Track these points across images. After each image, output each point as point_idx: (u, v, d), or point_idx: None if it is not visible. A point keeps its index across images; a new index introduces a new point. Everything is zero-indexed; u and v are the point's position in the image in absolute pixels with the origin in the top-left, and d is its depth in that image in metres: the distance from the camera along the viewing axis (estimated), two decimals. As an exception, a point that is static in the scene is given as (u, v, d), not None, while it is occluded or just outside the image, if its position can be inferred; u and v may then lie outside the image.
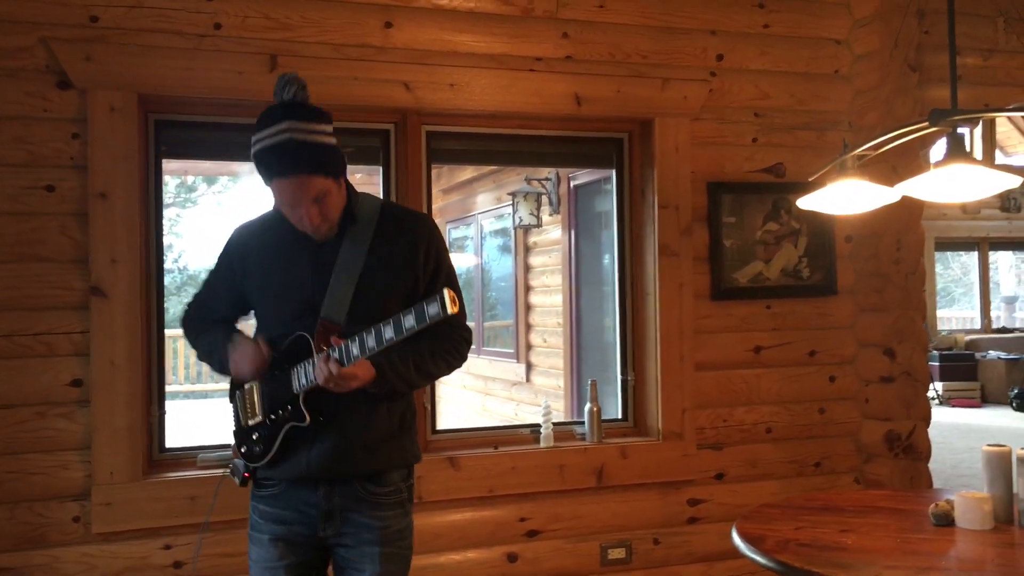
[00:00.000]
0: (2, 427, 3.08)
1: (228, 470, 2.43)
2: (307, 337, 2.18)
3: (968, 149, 2.24)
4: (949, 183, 2.21)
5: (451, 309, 1.93)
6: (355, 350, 2.08)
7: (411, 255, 2.26)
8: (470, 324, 2.45)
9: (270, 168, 2.12)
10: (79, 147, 3.18)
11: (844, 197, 2.63)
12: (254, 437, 2.29)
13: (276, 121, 2.11)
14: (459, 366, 2.38)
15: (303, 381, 2.18)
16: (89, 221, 3.16)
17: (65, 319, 3.16)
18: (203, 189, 15.73)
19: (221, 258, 2.43)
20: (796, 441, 4.07)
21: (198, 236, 16.38)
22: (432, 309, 1.96)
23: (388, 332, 2.04)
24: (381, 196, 3.62)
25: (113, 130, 3.19)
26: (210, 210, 16.06)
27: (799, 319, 4.09)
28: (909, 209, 3.81)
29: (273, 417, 2.25)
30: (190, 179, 14.49)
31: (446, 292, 1.94)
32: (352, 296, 2.21)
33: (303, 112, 2.13)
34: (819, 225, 4.09)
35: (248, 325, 2.46)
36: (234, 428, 2.38)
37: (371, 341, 2.06)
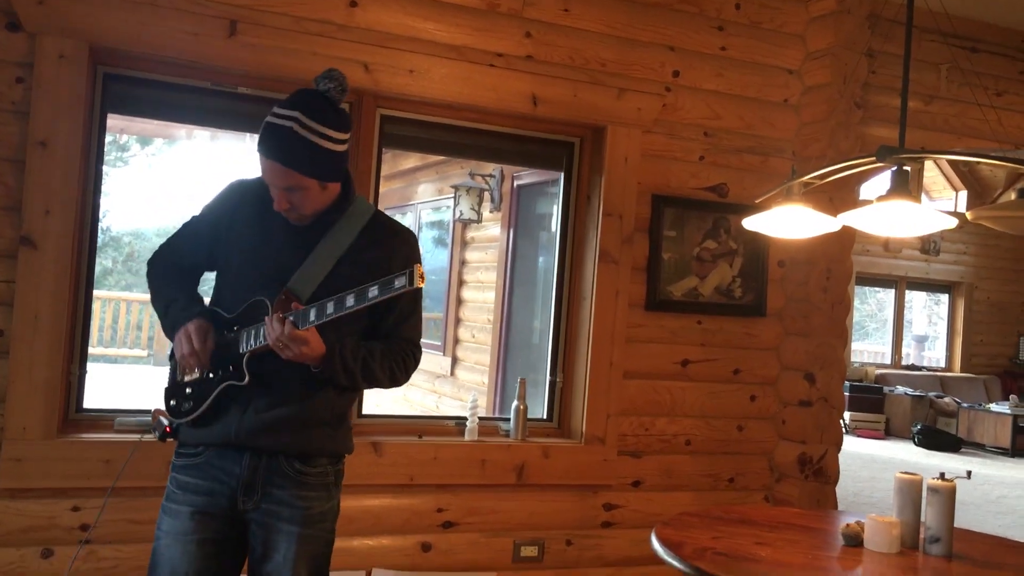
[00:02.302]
0: (-88, 372, 2.98)
1: (149, 431, 2.39)
2: (265, 302, 2.17)
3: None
4: (890, 218, 2.29)
5: (418, 283, 1.96)
6: (312, 315, 2.09)
7: (387, 261, 2.26)
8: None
9: (261, 144, 2.16)
10: (22, 92, 3.09)
11: (787, 221, 2.71)
12: (187, 392, 2.26)
13: (293, 106, 2.15)
14: (400, 383, 2.37)
15: (251, 342, 2.17)
16: (26, 169, 3.07)
17: (-10, 266, 3.06)
18: (136, 150, 15.34)
19: (211, 205, 2.40)
20: (713, 456, 4.16)
21: (126, 198, 15.99)
22: (399, 280, 1.99)
23: (350, 300, 2.05)
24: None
25: (59, 78, 3.10)
26: (141, 172, 15.70)
27: (727, 337, 4.19)
28: (842, 241, 3.95)
29: (211, 375, 2.22)
30: (124, 138, 14.13)
31: (416, 267, 1.97)
32: (322, 279, 2.22)
33: (321, 110, 2.16)
34: (755, 248, 4.19)
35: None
36: (167, 384, 2.34)
37: (331, 308, 2.07)
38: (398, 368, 2.31)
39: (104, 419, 3.32)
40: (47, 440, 3.09)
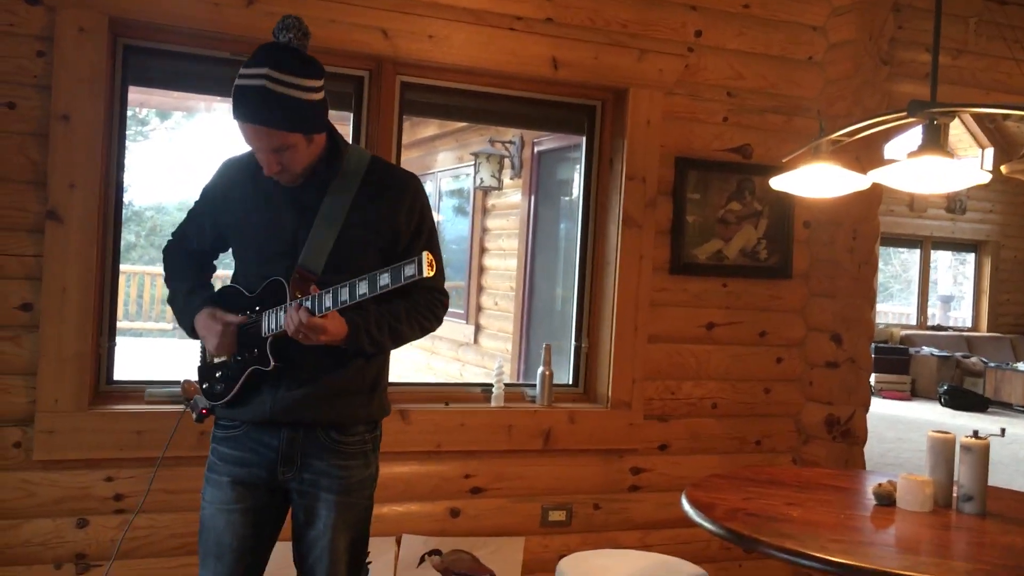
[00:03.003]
0: (-55, 346, 3.01)
1: (187, 405, 2.41)
2: (283, 282, 2.16)
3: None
4: (921, 173, 2.26)
5: (427, 272, 1.93)
6: (328, 302, 2.06)
7: (394, 211, 2.24)
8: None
9: (236, 109, 2.10)
10: (44, 66, 3.08)
11: (815, 180, 2.67)
12: (217, 375, 2.27)
13: (260, 63, 2.08)
14: (433, 329, 2.36)
15: (272, 326, 2.16)
16: (49, 143, 3.07)
17: (18, 241, 3.08)
18: (156, 124, 15.37)
19: (206, 190, 2.39)
20: (739, 418, 4.15)
21: (147, 171, 16.05)
22: (408, 270, 1.95)
23: (362, 288, 2.02)
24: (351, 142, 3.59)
25: (80, 51, 3.09)
26: (161, 146, 15.73)
27: (752, 299, 4.16)
28: (868, 200, 3.89)
29: (239, 358, 2.23)
30: (143, 112, 14.16)
31: (424, 255, 1.93)
32: (332, 247, 2.19)
33: (289, 61, 2.09)
34: (780, 209, 4.15)
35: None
36: (199, 364, 2.35)
37: (344, 295, 2.05)
38: (428, 319, 2.30)
39: (135, 390, 3.35)
40: (79, 412, 3.12)
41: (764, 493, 2.41)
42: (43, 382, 3.09)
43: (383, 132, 3.56)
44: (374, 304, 2.18)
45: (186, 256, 2.39)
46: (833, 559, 1.89)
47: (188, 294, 2.34)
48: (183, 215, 2.52)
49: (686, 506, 2.27)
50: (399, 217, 2.24)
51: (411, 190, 2.30)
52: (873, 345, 12.22)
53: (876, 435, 8.20)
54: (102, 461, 3.18)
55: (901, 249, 16.30)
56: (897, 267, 20.10)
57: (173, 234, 2.48)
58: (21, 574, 3.11)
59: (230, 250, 2.43)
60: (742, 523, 2.09)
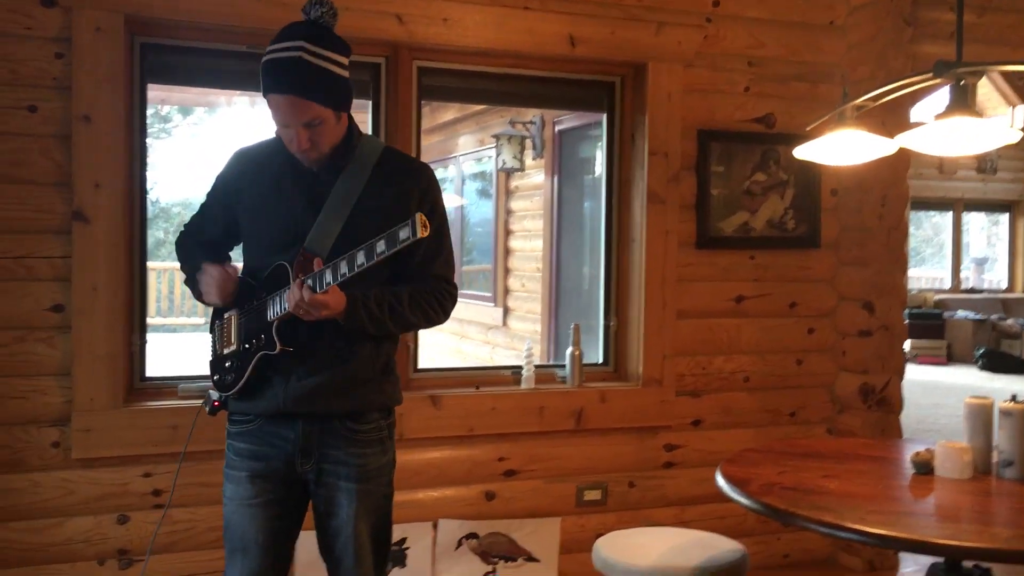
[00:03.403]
0: (-20, 350, 3.05)
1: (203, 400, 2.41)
2: (286, 266, 2.16)
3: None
4: (949, 135, 2.21)
5: (420, 232, 1.89)
6: (328, 277, 2.05)
7: (404, 200, 2.22)
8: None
9: (270, 81, 2.09)
10: (63, 67, 3.10)
11: (841, 148, 2.63)
12: (227, 365, 2.27)
13: (293, 37, 2.08)
14: (440, 321, 2.32)
15: (277, 309, 2.15)
16: (72, 144, 3.09)
17: (46, 243, 3.11)
18: (178, 120, 15.45)
19: (218, 179, 2.38)
20: (772, 391, 4.12)
21: (172, 168, 16.17)
22: (403, 233, 1.93)
23: (360, 258, 2.00)
24: (370, 131, 3.58)
25: (98, 51, 3.11)
26: (184, 142, 15.82)
27: (781, 271, 4.12)
28: (896, 165, 3.83)
29: (247, 346, 2.22)
30: (165, 109, 14.24)
31: (418, 216, 1.90)
32: (339, 232, 2.18)
33: (323, 36, 2.10)
34: (806, 178, 4.09)
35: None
36: (210, 358, 2.36)
37: (343, 268, 2.03)
38: (431, 308, 2.26)
39: (168, 386, 3.38)
40: (114, 410, 3.16)
41: (800, 466, 2.39)
42: (78, 382, 3.12)
43: (402, 118, 3.55)
44: (377, 286, 2.18)
45: (199, 245, 2.39)
46: (872, 531, 1.87)
47: (197, 266, 2.34)
48: None
49: (721, 482, 2.25)
50: (410, 204, 2.22)
51: (423, 178, 2.29)
52: (907, 311, 12.08)
53: (912, 402, 8.12)
54: (139, 457, 3.21)
55: (932, 212, 16.07)
56: (929, 231, 19.85)
57: (185, 225, 2.48)
58: (65, 571, 3.15)
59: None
60: (778, 497, 2.07)
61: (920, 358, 11.59)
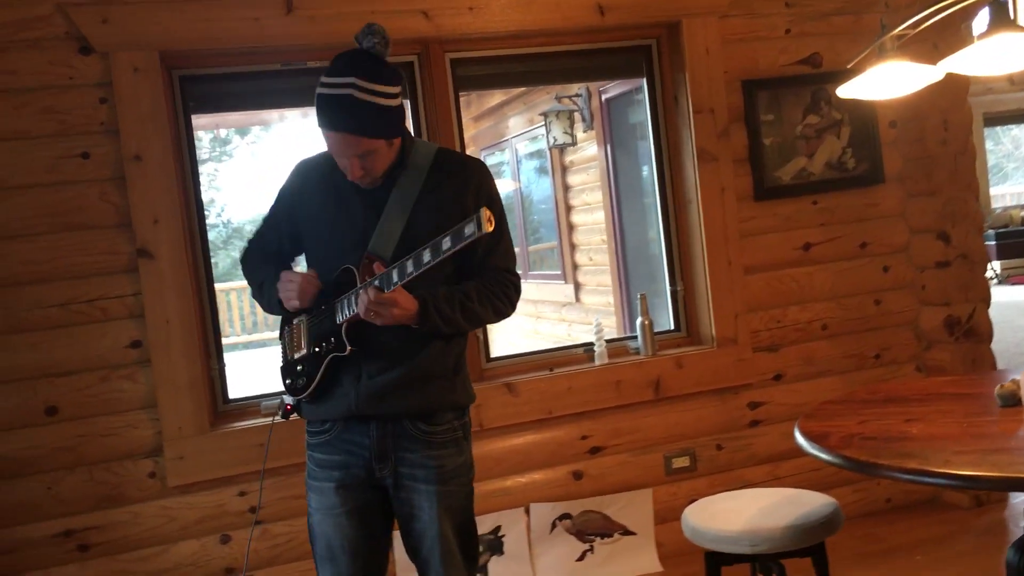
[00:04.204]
0: (69, 393, 3.16)
1: (278, 416, 2.45)
2: (352, 269, 2.19)
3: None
4: (994, 55, 2.11)
5: (487, 227, 1.91)
6: (395, 276, 2.07)
7: (460, 195, 2.23)
8: (515, 249, 2.43)
9: (322, 117, 2.15)
10: (108, 111, 3.19)
11: (885, 81, 2.54)
12: (298, 369, 2.30)
13: (344, 72, 2.12)
14: (508, 313, 2.33)
15: (346, 312, 2.19)
16: (127, 184, 3.18)
17: (116, 283, 3.21)
18: (237, 141, 15.74)
19: (281, 191, 2.43)
20: (853, 335, 4.03)
21: (237, 188, 16.52)
22: (468, 229, 1.94)
23: (426, 256, 2.02)
24: (411, 129, 3.59)
25: (139, 91, 3.18)
26: (246, 161, 16.14)
27: (847, 212, 4.01)
28: (954, 87, 3.69)
29: (317, 350, 2.26)
30: (223, 132, 14.52)
31: (483, 211, 1.92)
32: (400, 233, 2.21)
33: (373, 69, 2.13)
34: (861, 113, 3.97)
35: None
36: (280, 364, 2.40)
37: (409, 267, 2.05)
38: (499, 300, 2.27)
39: (250, 406, 3.46)
40: (202, 435, 3.25)
41: (880, 413, 2.32)
42: (164, 412, 3.22)
43: (441, 112, 3.56)
44: (444, 286, 2.21)
45: (265, 258, 2.44)
46: (960, 472, 1.81)
47: (269, 275, 2.37)
48: None
49: (799, 438, 2.21)
50: (467, 199, 2.23)
51: (478, 173, 2.31)
52: (993, 232, 11.65)
53: (1008, 325, 7.85)
54: (232, 478, 3.31)
55: (1009, 126, 15.45)
56: (1008, 145, 19.08)
57: (249, 241, 2.53)
58: (177, 595, 3.28)
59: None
60: (858, 448, 2.02)
61: (1013, 278, 11.17)
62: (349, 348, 2.18)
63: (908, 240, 4.09)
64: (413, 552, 2.31)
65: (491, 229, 1.93)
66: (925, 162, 3.97)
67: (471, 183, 2.27)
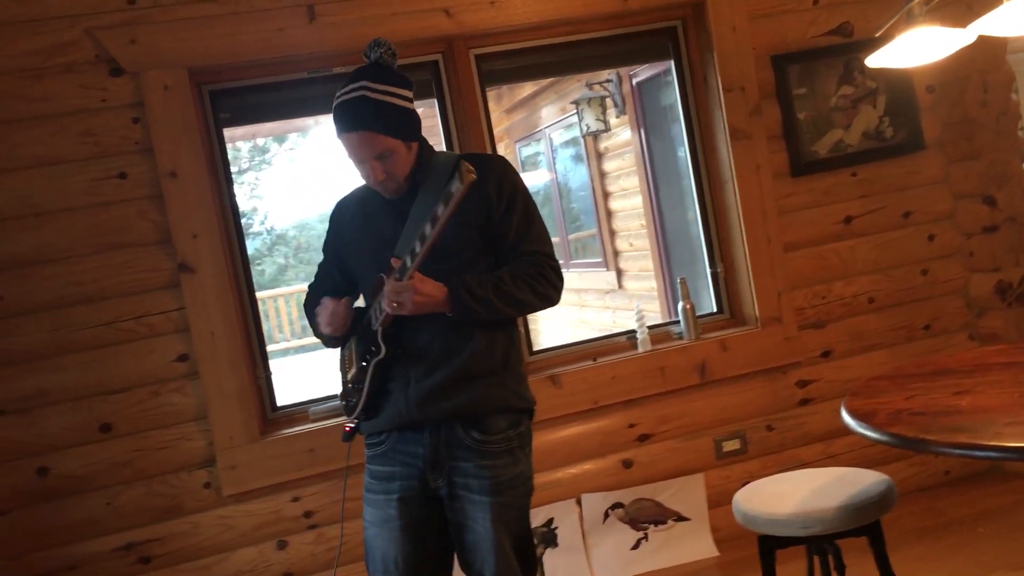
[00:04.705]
0: (122, 409, 3.23)
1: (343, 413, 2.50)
2: (382, 277, 2.21)
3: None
4: (1026, 13, 2.05)
5: (468, 177, 1.92)
6: (408, 261, 2.10)
7: (482, 190, 2.22)
8: (555, 240, 2.44)
9: (340, 123, 2.21)
10: (142, 131, 3.23)
11: (916, 47, 2.48)
12: (351, 388, 2.33)
13: (356, 80, 2.21)
14: (553, 298, 2.28)
15: (378, 314, 2.22)
16: (165, 201, 3.23)
17: (160, 299, 3.26)
18: (275, 149, 15.90)
19: (327, 234, 2.53)
20: (901, 307, 3.95)
21: (279, 195, 16.68)
22: (453, 186, 1.96)
23: (427, 229, 2.04)
24: (439, 128, 3.60)
25: (170, 108, 3.23)
26: (285, 168, 16.31)
27: (888, 182, 3.93)
28: (991, 47, 3.58)
29: (363, 363, 2.28)
30: (260, 141, 14.67)
31: (461, 163, 1.94)
32: None
33: (381, 74, 2.21)
34: (897, 80, 3.88)
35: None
36: (341, 390, 2.44)
37: (417, 245, 2.07)
38: (539, 283, 2.23)
39: (299, 412, 3.50)
40: (253, 443, 3.30)
41: (929, 387, 2.28)
42: (215, 423, 3.27)
43: (468, 110, 3.55)
44: (478, 272, 2.24)
45: (319, 295, 2.49)
46: (1011, 444, 1.76)
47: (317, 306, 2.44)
48: (325, 226, 2.62)
49: (846, 418, 2.17)
50: (488, 191, 2.23)
51: (496, 167, 2.31)
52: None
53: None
54: (286, 484, 3.35)
55: (1056, 81, 14.96)
56: (1057, 100, 18.52)
57: (309, 287, 2.59)
58: (238, 601, 3.33)
59: None
60: (906, 425, 1.97)
61: (1069, 237, 10.87)
62: (385, 350, 2.20)
63: (952, 206, 4.00)
64: (465, 566, 2.28)
65: (473, 179, 1.93)
66: (966, 125, 3.88)
67: (491, 176, 2.26)
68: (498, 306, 2.18)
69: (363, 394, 2.27)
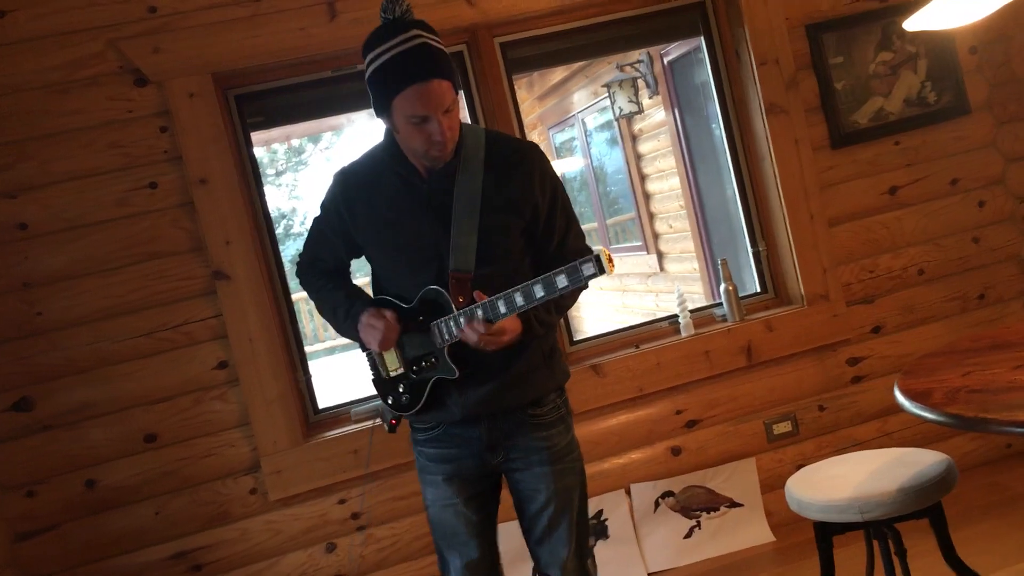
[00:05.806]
0: (166, 418, 3.23)
1: (377, 420, 2.45)
2: (440, 290, 2.13)
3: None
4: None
5: (608, 269, 1.87)
6: (503, 308, 2.02)
7: (527, 189, 2.16)
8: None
9: (406, 73, 1.97)
10: (170, 139, 3.22)
11: (957, 7, 2.37)
12: (400, 388, 2.28)
13: (404, 29, 2.00)
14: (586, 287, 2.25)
15: (446, 336, 2.14)
16: (196, 209, 3.22)
17: (197, 307, 3.25)
18: (311, 149, 15.96)
19: (326, 206, 2.32)
20: (953, 277, 3.83)
21: (317, 195, 16.72)
22: (587, 270, 1.89)
23: (539, 291, 1.97)
24: (468, 120, 3.54)
25: (197, 115, 3.21)
26: (322, 168, 16.37)
27: (933, 148, 3.80)
28: (1036, 2, 3.44)
29: (416, 369, 2.23)
30: (295, 142, 14.72)
31: (602, 252, 1.86)
32: (476, 243, 2.14)
33: (425, 23, 2.06)
34: (938, 43, 3.75)
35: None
36: (373, 378, 2.37)
37: (520, 299, 2.00)
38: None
39: (341, 413, 3.48)
40: (297, 447, 3.28)
41: (986, 362, 2.17)
42: (258, 428, 3.26)
43: (496, 99, 3.49)
44: (512, 261, 2.19)
45: (326, 276, 2.39)
46: (1079, 419, 1.67)
47: (348, 305, 2.30)
48: None
49: (900, 398, 2.08)
50: (534, 192, 2.17)
51: (536, 161, 2.22)
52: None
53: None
54: (331, 486, 3.33)
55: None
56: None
57: (301, 256, 2.45)
58: (290, 606, 3.32)
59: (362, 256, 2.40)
60: (964, 404, 1.88)
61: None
62: (459, 373, 2.17)
63: (1003, 170, 3.86)
64: (529, 534, 2.32)
65: (612, 271, 1.89)
66: (1014, 85, 3.74)
67: (535, 174, 2.19)
68: (555, 323, 2.29)
69: (420, 403, 2.24)
